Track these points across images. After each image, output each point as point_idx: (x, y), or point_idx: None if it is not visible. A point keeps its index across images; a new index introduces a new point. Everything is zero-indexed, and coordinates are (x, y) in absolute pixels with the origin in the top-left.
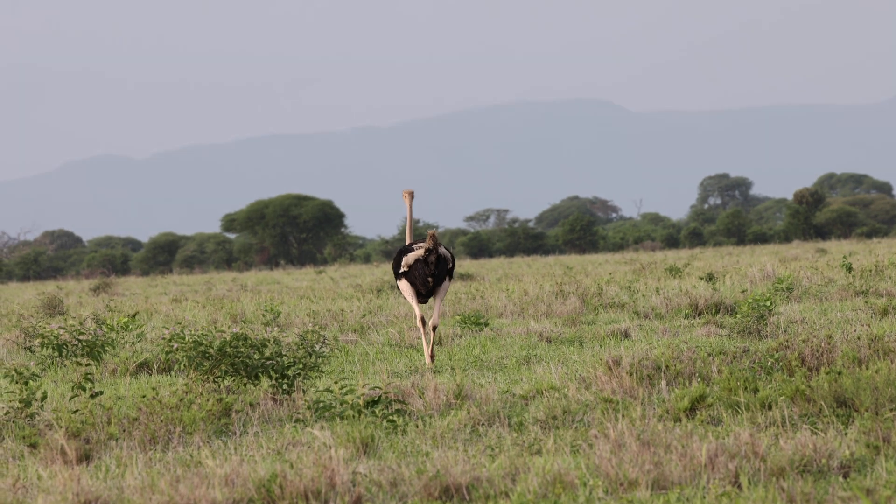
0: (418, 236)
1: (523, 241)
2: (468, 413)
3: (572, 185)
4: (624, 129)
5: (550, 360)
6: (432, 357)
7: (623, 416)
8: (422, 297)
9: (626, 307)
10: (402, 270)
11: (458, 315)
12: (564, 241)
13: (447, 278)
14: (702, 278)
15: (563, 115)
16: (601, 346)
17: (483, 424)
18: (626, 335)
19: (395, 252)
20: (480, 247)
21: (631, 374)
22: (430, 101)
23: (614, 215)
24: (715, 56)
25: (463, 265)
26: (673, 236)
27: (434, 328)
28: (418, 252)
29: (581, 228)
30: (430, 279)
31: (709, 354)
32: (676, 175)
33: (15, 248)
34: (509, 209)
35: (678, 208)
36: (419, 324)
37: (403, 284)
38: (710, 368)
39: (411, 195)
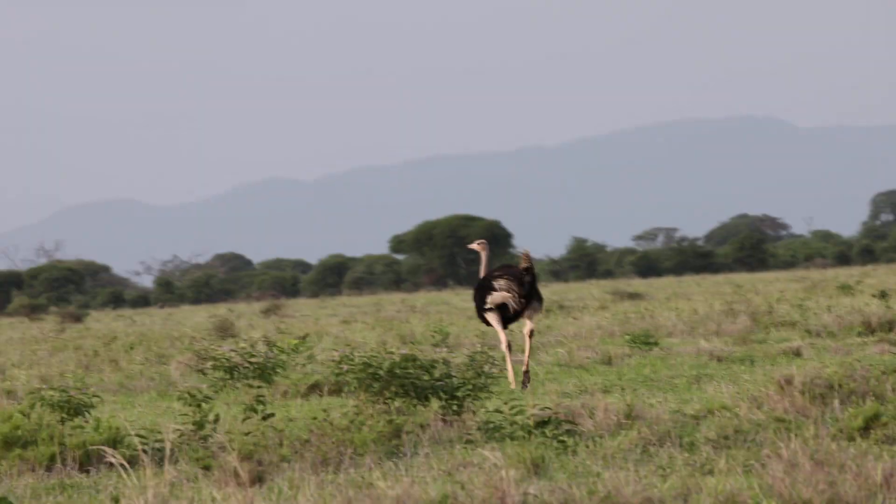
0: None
1: (692, 259)
2: (639, 433)
3: (741, 203)
4: (792, 146)
5: (721, 379)
6: (526, 379)
7: (796, 435)
8: (508, 320)
9: (798, 325)
10: (487, 307)
11: (628, 334)
12: (734, 260)
13: (536, 302)
14: (874, 296)
15: (728, 132)
16: (772, 365)
17: (654, 444)
18: (797, 353)
19: (476, 289)
20: (649, 265)
21: (803, 393)
22: (594, 121)
23: (784, 233)
24: (887, 69)
25: (631, 284)
26: (844, 253)
27: (531, 333)
28: (503, 293)
29: (751, 246)
30: (522, 299)
31: (882, 373)
32: (847, 191)
33: (187, 272)
34: (678, 227)
35: (849, 225)
36: (505, 348)
37: (490, 315)
38: (884, 387)
39: (485, 247)
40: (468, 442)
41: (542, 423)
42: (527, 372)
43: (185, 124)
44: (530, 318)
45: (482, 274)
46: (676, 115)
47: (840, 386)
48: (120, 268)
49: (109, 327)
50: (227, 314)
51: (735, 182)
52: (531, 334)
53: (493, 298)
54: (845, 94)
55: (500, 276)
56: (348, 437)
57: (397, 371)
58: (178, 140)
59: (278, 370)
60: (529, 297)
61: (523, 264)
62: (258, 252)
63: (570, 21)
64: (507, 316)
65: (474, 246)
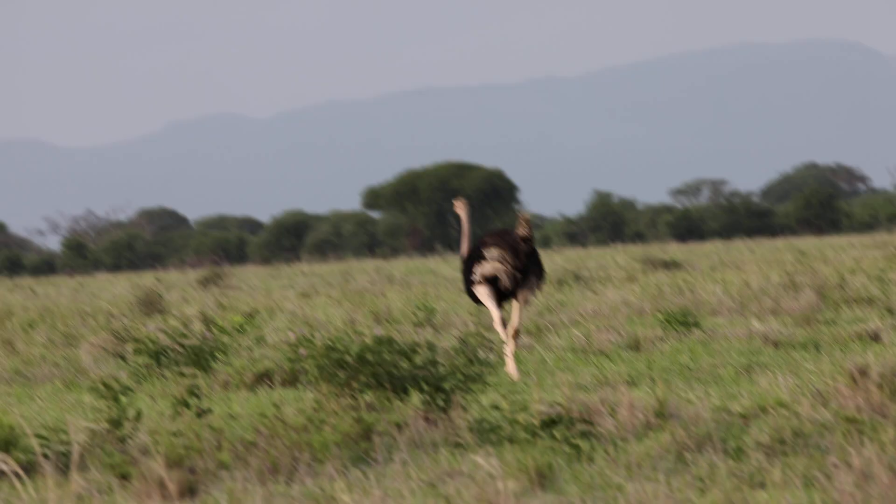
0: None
1: (745, 219)
2: (672, 436)
3: (809, 150)
4: (876, 79)
5: (778, 370)
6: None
7: (871, 439)
8: (502, 297)
9: (877, 303)
10: (476, 280)
11: (661, 313)
12: (798, 220)
13: (535, 277)
14: None
15: (795, 60)
16: (843, 352)
17: (691, 450)
18: (875, 338)
19: (465, 259)
20: (690, 227)
21: (881, 387)
22: (624, 47)
23: (862, 187)
24: None
25: (667, 250)
26: None
27: (516, 333)
28: (495, 265)
29: (819, 204)
30: (518, 274)
31: None
32: None
33: (104, 231)
34: (727, 179)
35: None
36: (499, 327)
37: (481, 289)
38: None
39: (465, 206)
40: (457, 445)
41: (550, 423)
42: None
43: (106, 47)
44: (525, 301)
45: (464, 242)
46: (728, 39)
47: None
48: (18, 225)
49: (3, 300)
50: (155, 285)
51: (801, 124)
52: (517, 335)
53: (483, 270)
54: None
55: (493, 244)
56: (305, 438)
57: (369, 357)
58: (97, 66)
59: (218, 355)
60: (526, 272)
61: (521, 231)
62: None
63: None
64: (500, 292)
65: (457, 206)
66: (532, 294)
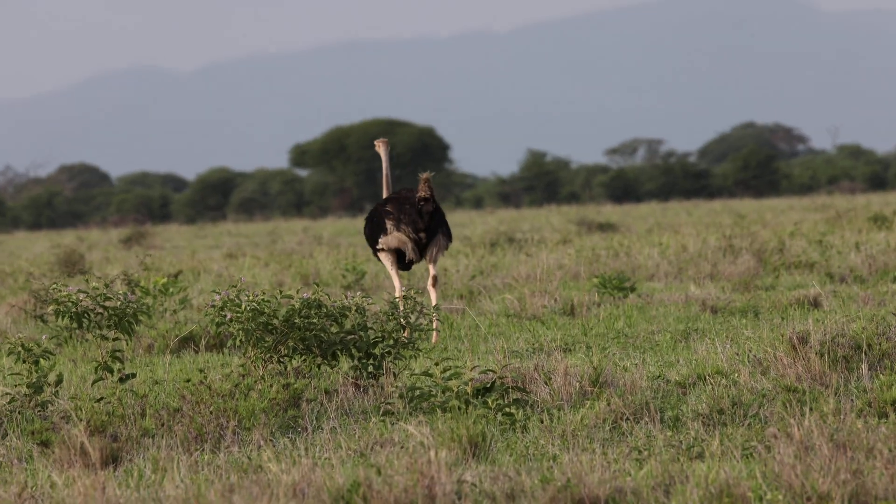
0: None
1: (682, 180)
2: (608, 404)
3: (746, 109)
4: (812, 35)
5: (716, 337)
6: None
7: (811, 409)
8: (404, 264)
9: (817, 267)
10: (379, 248)
11: (596, 277)
12: (735, 182)
13: (441, 235)
14: None
15: (730, 14)
16: (783, 319)
17: (628, 419)
18: (815, 304)
19: (368, 218)
20: (626, 188)
21: (822, 356)
22: (558, 1)
23: (801, 147)
24: None
25: (602, 212)
26: (879, 175)
27: (435, 281)
28: (399, 236)
29: (757, 165)
30: (422, 234)
31: None
32: (883, 96)
33: (23, 187)
34: (663, 139)
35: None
36: (400, 298)
37: (383, 256)
38: None
39: (385, 145)
40: (387, 413)
41: (483, 391)
42: (437, 332)
43: None
44: (433, 261)
45: (385, 188)
46: None
47: (870, 347)
48: None
49: None
50: (77, 244)
51: (738, 82)
52: (435, 282)
53: (388, 241)
54: None
55: (393, 212)
56: (231, 405)
57: (297, 321)
58: (12, 15)
59: (142, 318)
60: (431, 234)
61: (422, 192)
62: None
63: None
64: (408, 255)
65: (378, 146)
66: (440, 253)
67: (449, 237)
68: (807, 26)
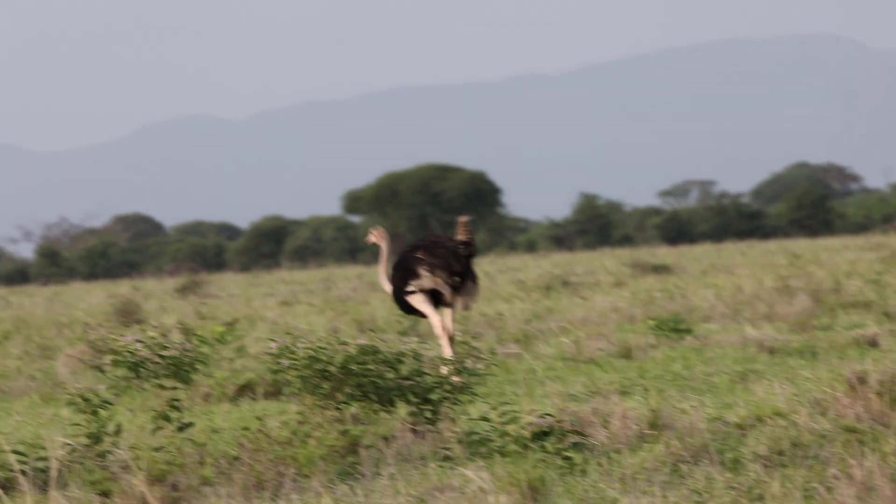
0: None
1: (735, 221)
2: (667, 447)
3: (799, 149)
4: (865, 74)
5: (774, 378)
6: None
7: (871, 450)
8: (439, 302)
9: (874, 307)
10: (410, 289)
11: (652, 319)
12: (789, 222)
13: (472, 283)
14: None
15: (782, 56)
16: (840, 359)
17: (687, 462)
18: (873, 344)
19: (397, 262)
20: (679, 230)
21: (881, 395)
22: (609, 44)
23: (855, 187)
24: None
25: (656, 254)
26: None
27: (451, 339)
28: (434, 280)
29: (811, 205)
30: (457, 278)
31: None
32: None
33: (78, 238)
34: (716, 180)
35: None
36: (442, 332)
37: (415, 298)
38: None
39: (382, 236)
40: (446, 459)
41: (541, 435)
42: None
43: (77, 49)
44: (466, 307)
45: (382, 270)
46: (712, 35)
47: None
48: None
49: None
50: (132, 294)
51: (791, 122)
52: (453, 340)
53: (420, 284)
54: None
55: (425, 258)
56: (290, 452)
57: (353, 367)
58: (68, 69)
59: (199, 367)
60: (465, 278)
61: (461, 236)
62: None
63: None
64: (437, 300)
65: (372, 238)
66: (473, 300)
67: (477, 284)
68: (857, 64)
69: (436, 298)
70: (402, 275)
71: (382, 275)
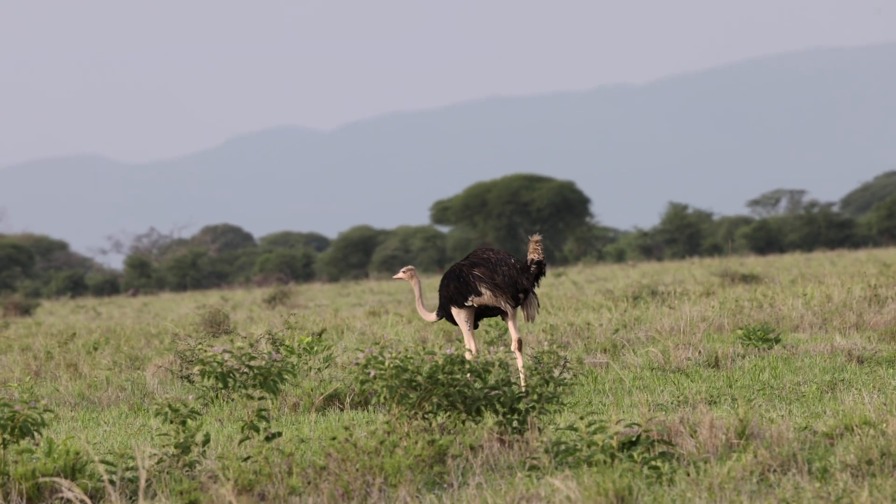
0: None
1: (825, 230)
2: (755, 456)
3: (889, 158)
4: None
5: (863, 387)
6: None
7: None
8: (493, 314)
9: None
10: (468, 304)
11: (740, 328)
12: (880, 231)
13: (535, 297)
14: None
15: (870, 64)
16: None
17: (775, 471)
18: None
19: (451, 274)
20: (769, 239)
21: None
22: (699, 52)
23: None
24: None
25: (745, 263)
26: None
27: (520, 344)
28: (488, 296)
29: None
30: (521, 295)
31: None
32: None
33: (168, 249)
34: (805, 189)
35: None
36: (473, 348)
37: (463, 313)
38: None
39: (413, 275)
40: (533, 468)
41: (628, 444)
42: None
43: (165, 62)
44: (531, 319)
45: (419, 303)
46: (801, 44)
47: None
48: (80, 244)
49: (67, 321)
50: (221, 304)
51: (882, 131)
52: (520, 345)
53: (481, 300)
54: None
55: (485, 277)
56: (377, 462)
57: (440, 377)
58: (157, 81)
59: (287, 377)
60: (527, 295)
61: (533, 256)
62: (260, 223)
63: None
64: (479, 315)
65: (400, 276)
66: (537, 311)
67: (536, 294)
68: None
69: (489, 312)
70: (457, 288)
71: (420, 308)
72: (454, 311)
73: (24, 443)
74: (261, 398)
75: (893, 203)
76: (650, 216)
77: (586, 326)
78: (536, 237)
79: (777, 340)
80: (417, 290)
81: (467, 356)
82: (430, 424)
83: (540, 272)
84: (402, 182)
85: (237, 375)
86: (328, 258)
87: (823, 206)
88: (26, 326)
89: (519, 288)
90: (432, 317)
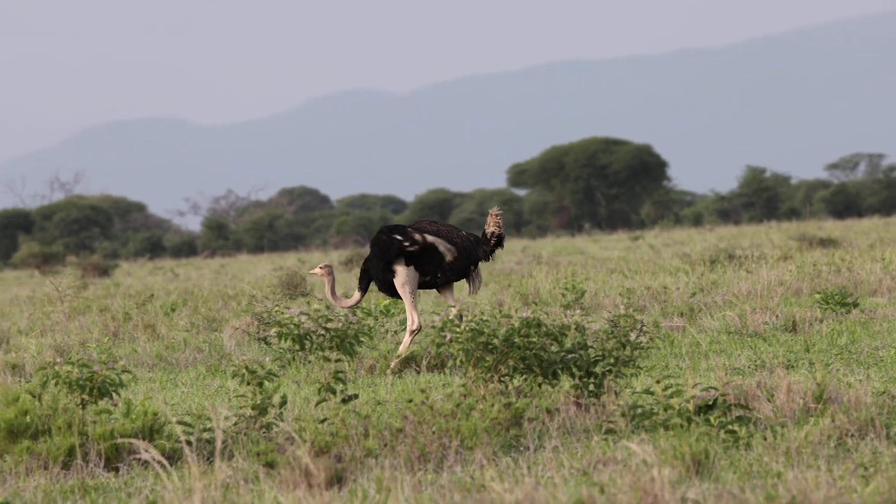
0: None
1: None
2: (833, 421)
3: None
4: None
5: None
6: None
7: None
8: (427, 286)
9: None
10: (410, 249)
11: (818, 293)
12: None
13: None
14: None
15: None
16: None
17: (853, 436)
18: None
19: (380, 234)
20: (847, 203)
21: None
22: (778, 15)
23: None
24: None
25: (823, 227)
26: None
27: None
28: (447, 248)
29: None
30: (473, 266)
31: None
32: None
33: (245, 211)
34: (885, 153)
35: None
36: (414, 328)
37: (409, 273)
38: None
39: (329, 272)
40: (609, 432)
41: (705, 408)
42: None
43: (243, 24)
44: (475, 292)
45: (329, 294)
46: (881, 6)
47: None
48: (158, 206)
49: (144, 283)
50: (298, 266)
51: None
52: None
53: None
54: None
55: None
56: (453, 425)
57: (517, 340)
58: (234, 44)
59: (363, 339)
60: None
61: (492, 229)
62: (337, 186)
63: None
64: (443, 279)
65: (317, 272)
66: (480, 285)
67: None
68: None
69: (429, 285)
70: (391, 244)
71: (331, 298)
72: (397, 268)
73: (102, 403)
74: (337, 360)
75: None
76: (728, 180)
77: (663, 290)
78: (496, 210)
79: (855, 305)
80: (329, 286)
81: (412, 326)
82: (507, 387)
83: (498, 244)
84: (478, 145)
85: (314, 337)
86: (405, 220)
87: None
88: (105, 287)
89: (472, 259)
90: (348, 302)
